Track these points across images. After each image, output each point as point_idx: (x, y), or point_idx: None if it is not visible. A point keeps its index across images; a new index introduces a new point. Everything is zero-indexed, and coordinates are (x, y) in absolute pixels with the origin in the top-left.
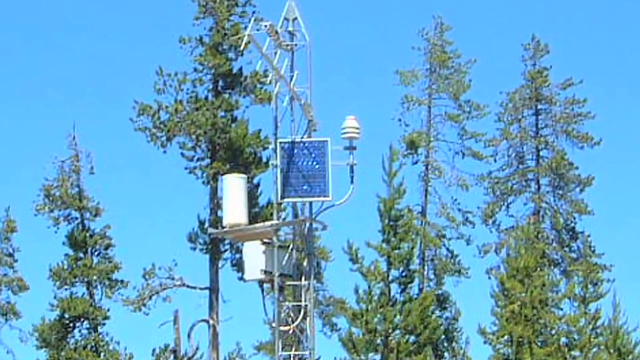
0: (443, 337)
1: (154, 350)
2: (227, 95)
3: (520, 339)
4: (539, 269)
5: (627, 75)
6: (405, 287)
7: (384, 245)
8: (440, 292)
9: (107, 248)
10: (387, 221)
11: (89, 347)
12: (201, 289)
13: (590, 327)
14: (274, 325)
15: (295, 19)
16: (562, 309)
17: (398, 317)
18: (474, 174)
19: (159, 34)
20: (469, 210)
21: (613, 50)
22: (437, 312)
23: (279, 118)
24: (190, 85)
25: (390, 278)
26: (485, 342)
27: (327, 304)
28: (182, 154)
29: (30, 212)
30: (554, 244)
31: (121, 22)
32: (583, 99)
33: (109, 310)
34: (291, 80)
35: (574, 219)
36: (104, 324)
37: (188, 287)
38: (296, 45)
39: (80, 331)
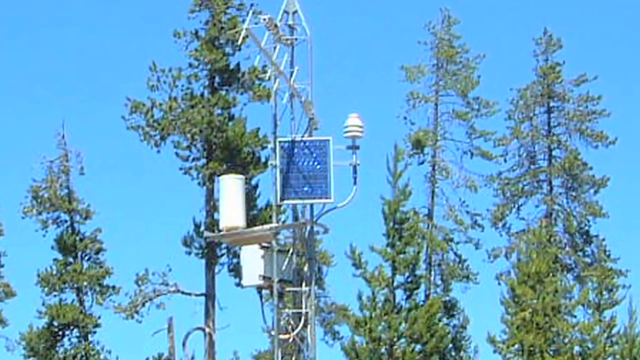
0: (450, 345)
1: None
2: (223, 92)
3: (532, 348)
4: (551, 274)
5: None
6: (410, 293)
7: (389, 249)
8: (447, 298)
9: (97, 252)
10: (391, 224)
11: (79, 356)
12: (196, 295)
13: (605, 335)
14: (272, 333)
15: (295, 11)
16: (575, 316)
17: (403, 324)
18: (483, 175)
19: (152, 28)
20: (477, 213)
21: (628, 45)
22: (444, 320)
23: (278, 116)
24: (185, 81)
25: (395, 284)
26: (494, 351)
27: (329, 311)
28: (177, 154)
29: (17, 215)
30: (567, 248)
31: (112, 14)
32: (597, 96)
33: (99, 317)
34: (291, 76)
35: (588, 221)
36: (95, 332)
37: (183, 293)
38: (296, 39)
39: (69, 339)
